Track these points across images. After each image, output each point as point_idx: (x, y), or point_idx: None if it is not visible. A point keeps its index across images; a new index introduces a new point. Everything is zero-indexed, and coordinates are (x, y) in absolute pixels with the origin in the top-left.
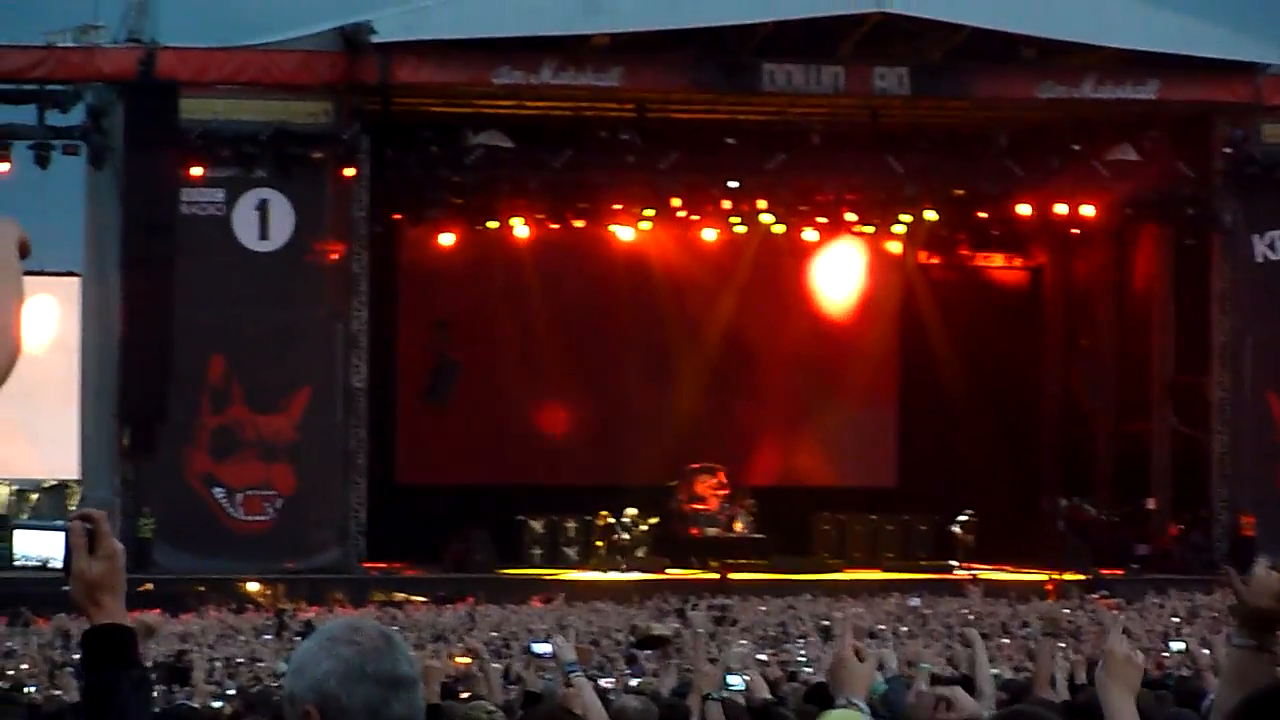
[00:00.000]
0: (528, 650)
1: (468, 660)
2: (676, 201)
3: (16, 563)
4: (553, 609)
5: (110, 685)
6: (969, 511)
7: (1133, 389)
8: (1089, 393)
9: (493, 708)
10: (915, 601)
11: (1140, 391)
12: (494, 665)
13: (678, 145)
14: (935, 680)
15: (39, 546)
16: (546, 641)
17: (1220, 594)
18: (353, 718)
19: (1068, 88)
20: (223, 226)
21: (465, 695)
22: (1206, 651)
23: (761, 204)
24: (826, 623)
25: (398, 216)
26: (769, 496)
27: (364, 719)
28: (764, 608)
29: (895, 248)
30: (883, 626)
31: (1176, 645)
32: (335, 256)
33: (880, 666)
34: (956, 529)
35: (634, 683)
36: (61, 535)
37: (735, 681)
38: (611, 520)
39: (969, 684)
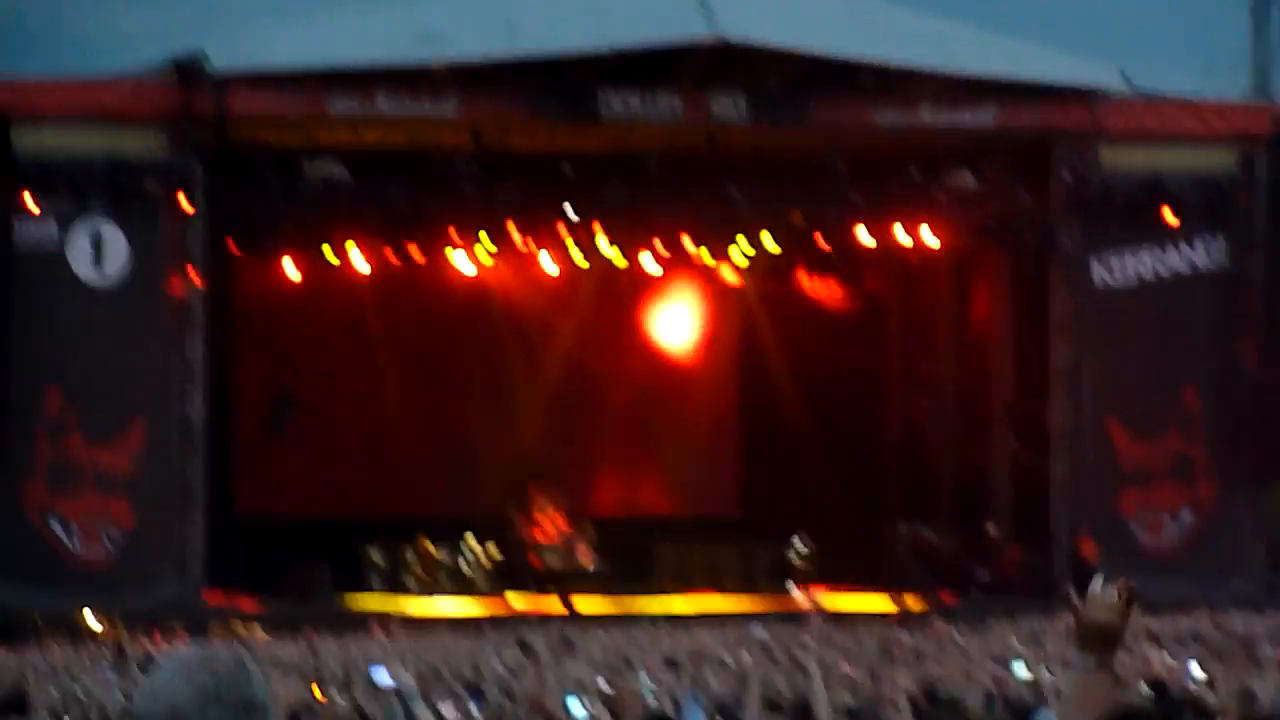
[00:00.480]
0: (369, 680)
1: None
2: (515, 232)
3: None
4: (394, 640)
5: None
6: (801, 535)
7: (973, 415)
8: (929, 419)
9: None
10: (759, 629)
11: (981, 418)
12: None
13: (515, 175)
14: (772, 707)
15: None
16: (387, 672)
17: (1061, 618)
18: None
19: (906, 115)
20: (57, 260)
21: None
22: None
23: (600, 233)
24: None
25: (235, 248)
26: (610, 526)
27: None
28: (605, 637)
29: (735, 277)
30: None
31: (1020, 670)
32: (172, 289)
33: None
34: (796, 556)
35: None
36: None
37: (577, 711)
38: (437, 549)
39: (808, 712)
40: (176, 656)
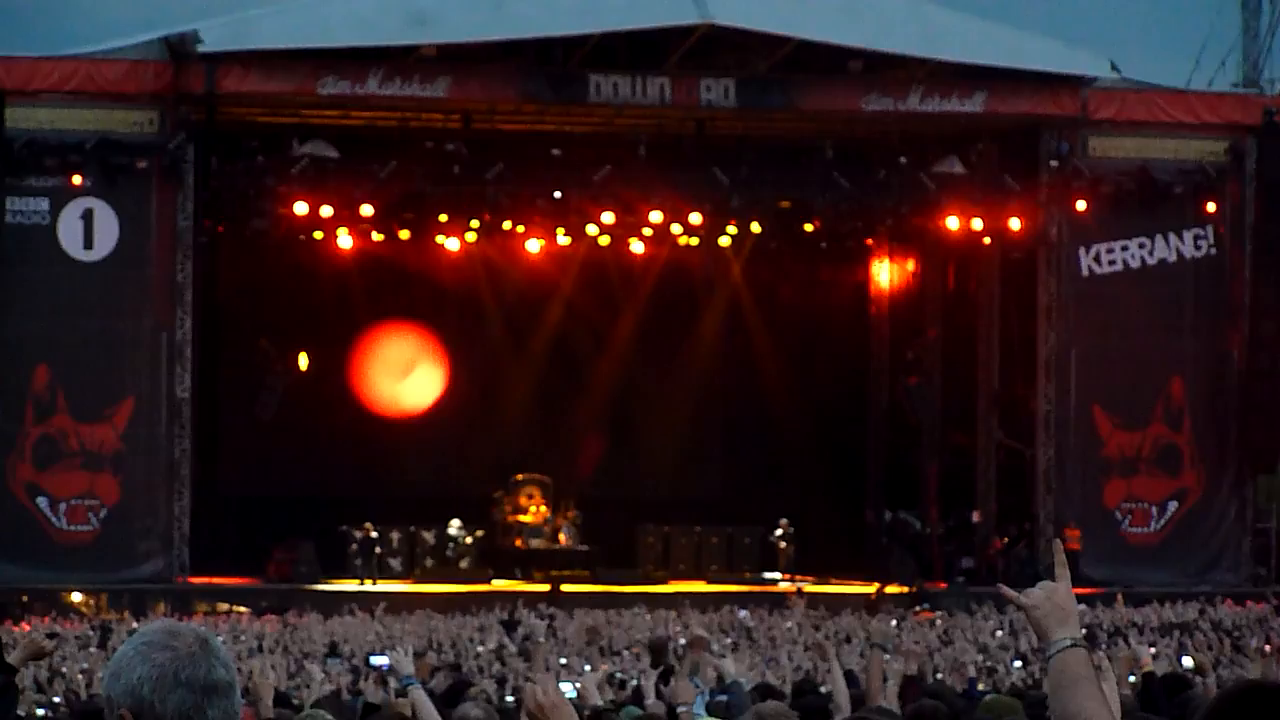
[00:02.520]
0: (366, 663)
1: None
2: (503, 212)
3: None
4: (382, 619)
5: None
6: (785, 521)
7: (958, 402)
8: (915, 405)
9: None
10: (743, 614)
11: (966, 405)
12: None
13: (504, 156)
14: (767, 693)
15: None
16: (384, 654)
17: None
18: None
19: (894, 100)
20: (48, 236)
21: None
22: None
23: (588, 215)
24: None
25: (222, 227)
26: (594, 508)
27: None
28: (589, 620)
29: (722, 259)
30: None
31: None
32: (160, 266)
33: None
34: (778, 540)
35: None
36: None
37: (565, 689)
38: (421, 531)
39: (823, 697)
40: (139, 635)
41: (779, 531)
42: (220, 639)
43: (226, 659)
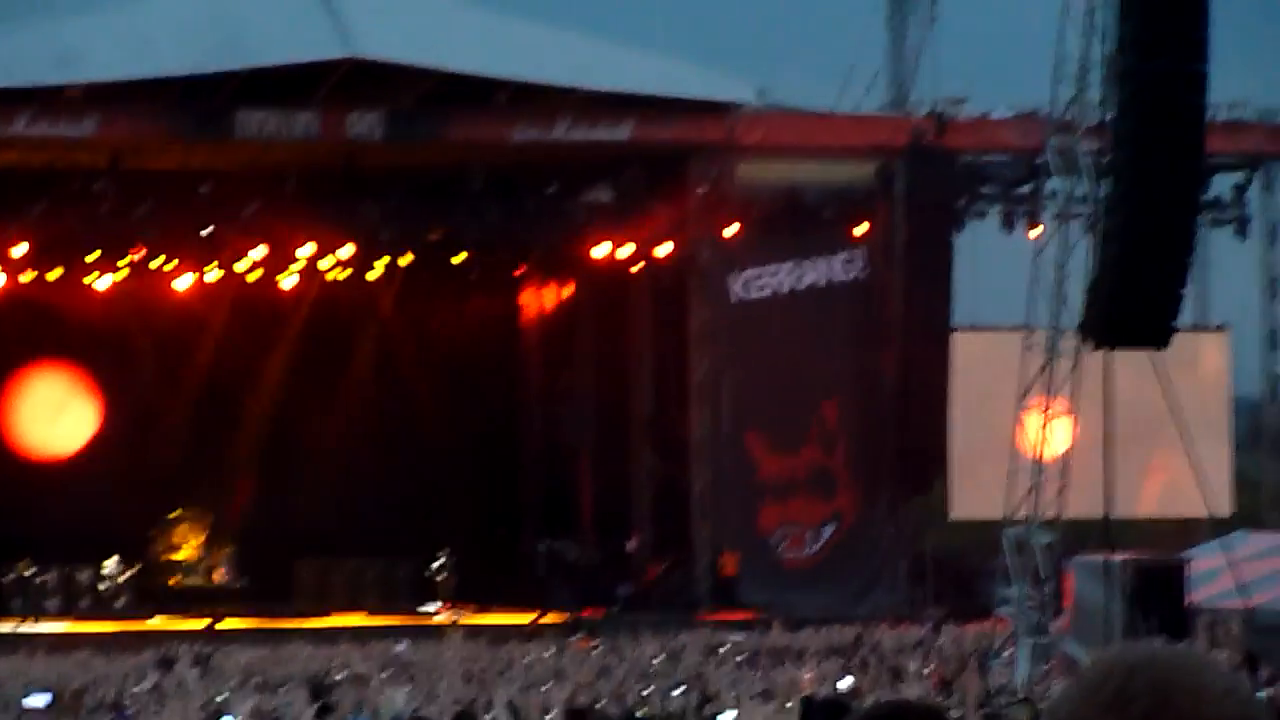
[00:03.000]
0: (18, 703)
1: None
2: (153, 250)
3: None
4: (36, 660)
5: None
6: (445, 552)
7: (612, 429)
8: (569, 433)
9: None
10: (402, 647)
11: (620, 431)
12: None
13: (152, 194)
14: None
15: None
16: (42, 692)
17: (701, 633)
18: None
19: (542, 130)
20: None
21: None
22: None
23: (237, 251)
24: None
25: None
26: (250, 543)
27: None
28: (246, 656)
29: (373, 292)
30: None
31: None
32: None
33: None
34: (436, 571)
35: None
36: None
37: None
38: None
39: None
40: None
41: (438, 562)
42: None
43: None
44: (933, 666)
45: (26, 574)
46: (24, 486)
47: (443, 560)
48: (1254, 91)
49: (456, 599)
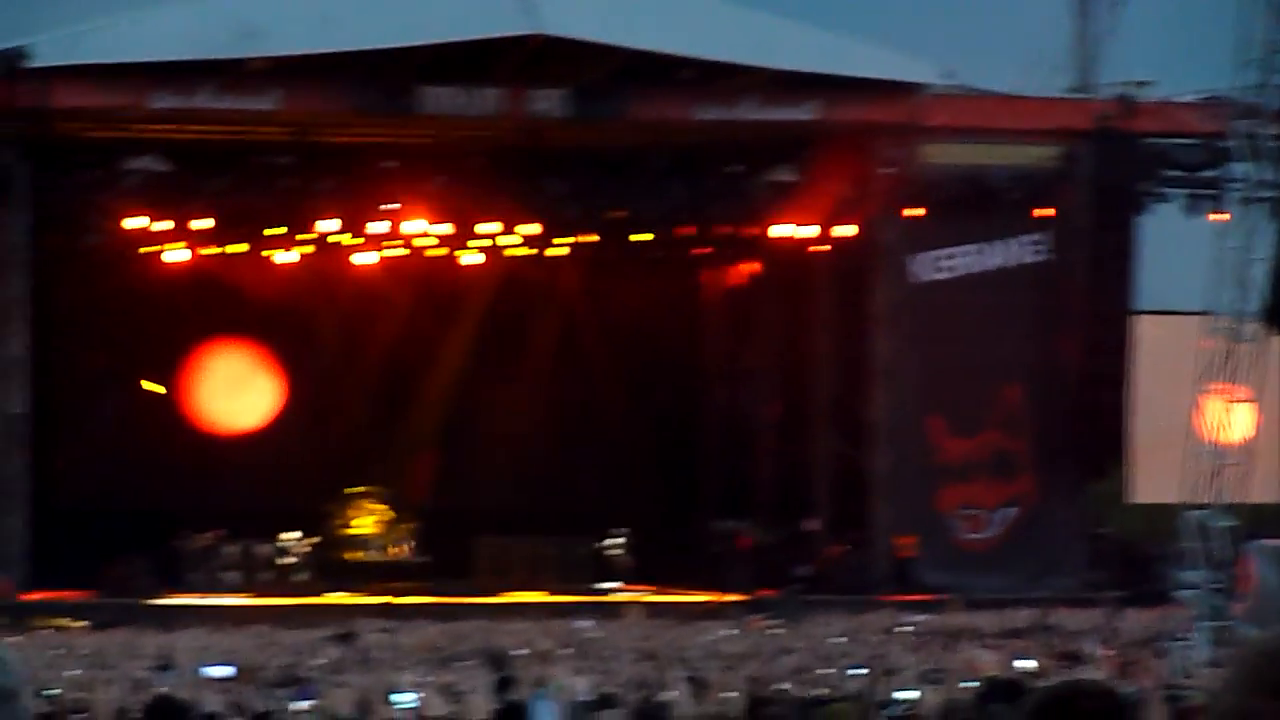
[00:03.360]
0: (199, 674)
1: None
2: (336, 225)
3: None
4: (214, 633)
5: None
6: (623, 531)
7: (794, 410)
8: (750, 413)
9: None
10: (584, 624)
11: (801, 412)
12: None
13: (337, 169)
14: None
15: None
16: (219, 665)
17: (880, 614)
18: None
19: (726, 109)
20: None
21: None
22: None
23: (421, 227)
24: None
25: (56, 243)
26: (430, 520)
27: None
28: (427, 631)
29: (556, 270)
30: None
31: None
32: None
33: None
34: (613, 550)
35: (304, 705)
36: None
37: (406, 700)
38: (256, 543)
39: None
40: None
41: (617, 541)
42: (14, 652)
43: (14, 668)
44: (1111, 650)
45: (206, 547)
46: (205, 460)
47: (622, 539)
48: None
49: (635, 578)
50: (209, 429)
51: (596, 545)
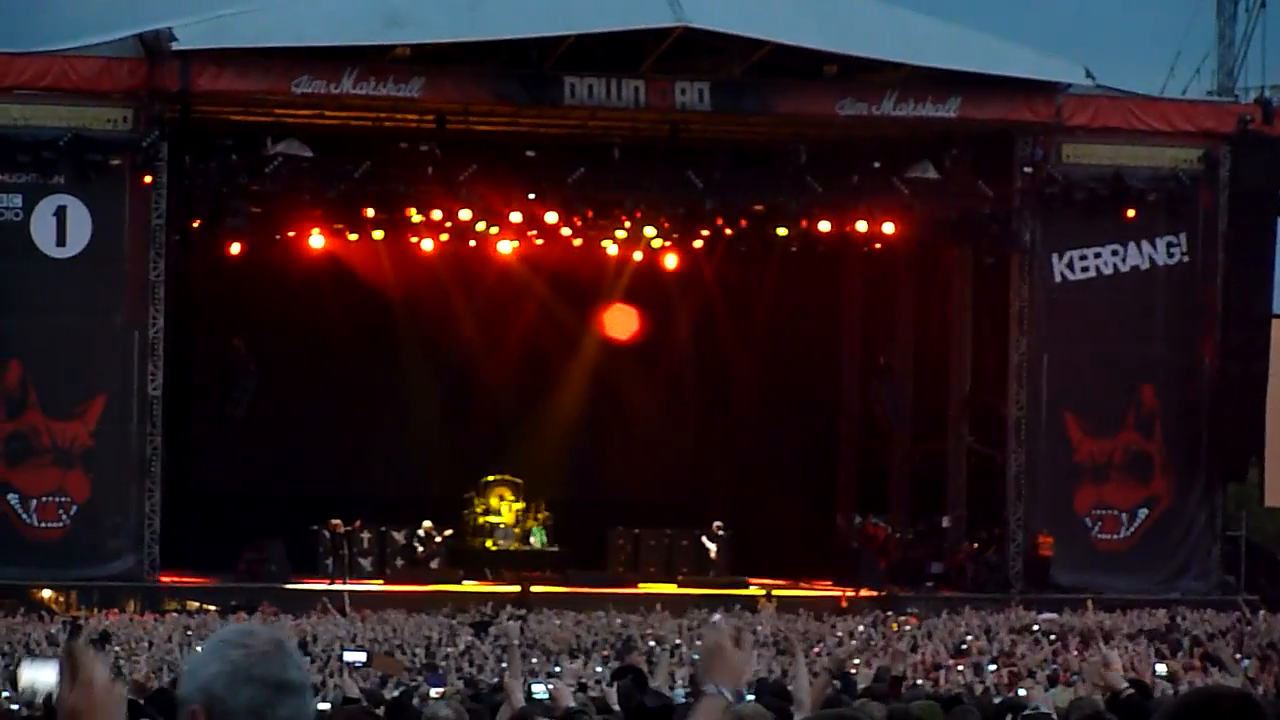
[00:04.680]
0: (340, 659)
1: None
2: (476, 213)
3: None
4: (349, 619)
5: None
6: (758, 525)
7: (930, 407)
8: (886, 410)
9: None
10: (716, 617)
11: (938, 409)
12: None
13: (477, 157)
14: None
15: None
16: (358, 650)
17: (1012, 612)
18: (236, 718)
19: (868, 105)
20: (20, 232)
21: None
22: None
23: (561, 217)
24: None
25: (196, 224)
26: (564, 509)
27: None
28: (558, 621)
29: (694, 262)
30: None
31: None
32: (133, 264)
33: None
34: (749, 545)
35: (435, 691)
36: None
37: (539, 690)
38: (391, 530)
39: (786, 694)
40: (216, 635)
41: (750, 535)
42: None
43: (300, 661)
44: (1247, 653)
45: (343, 534)
46: (342, 447)
47: (756, 533)
48: None
49: (769, 572)
50: (347, 414)
51: (732, 538)
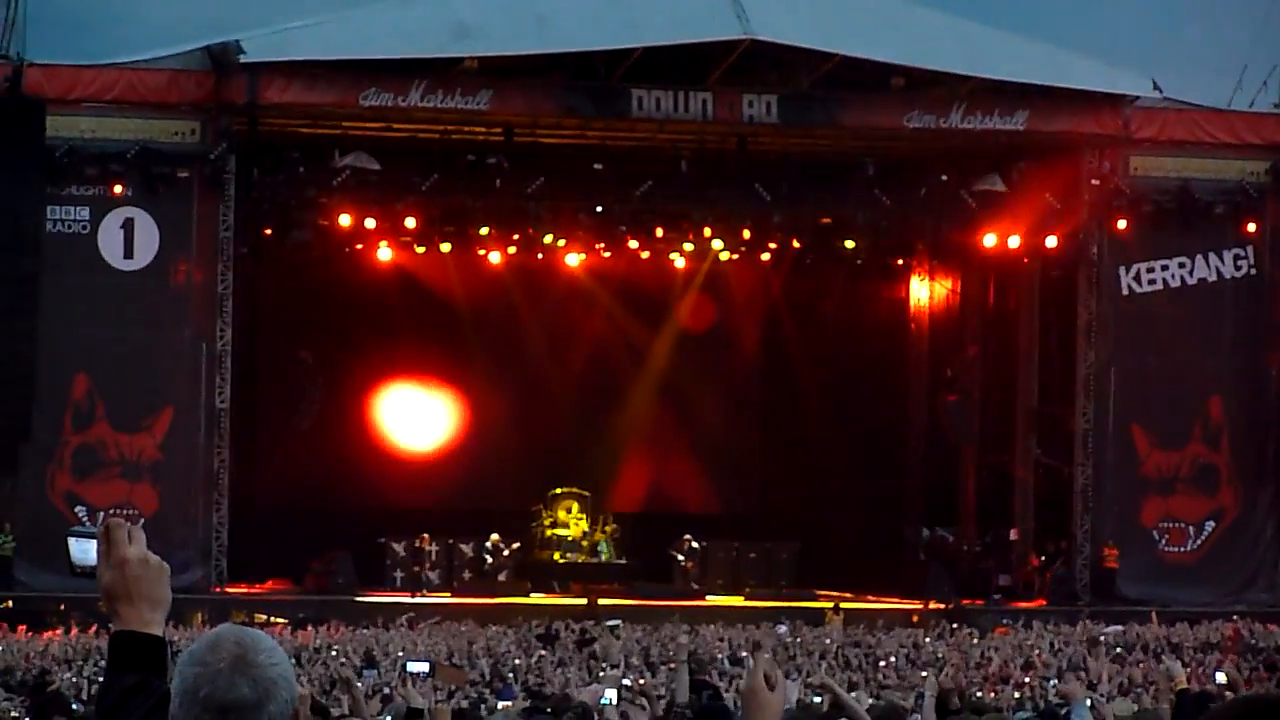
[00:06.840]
0: (403, 669)
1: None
2: (544, 226)
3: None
4: (416, 632)
5: (111, 688)
6: (825, 537)
7: (997, 420)
8: (954, 422)
9: None
10: (783, 629)
11: (1005, 422)
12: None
13: (545, 170)
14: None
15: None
16: (422, 660)
17: (1081, 626)
18: None
19: (936, 117)
20: (88, 245)
21: (337, 715)
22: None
23: (628, 230)
24: (692, 648)
25: (263, 236)
26: (631, 522)
27: None
28: (625, 634)
29: (762, 275)
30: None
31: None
32: (200, 276)
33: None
34: (814, 557)
35: (504, 704)
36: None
37: (604, 700)
38: (459, 543)
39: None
40: (195, 642)
41: (816, 548)
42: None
43: (263, 675)
44: None
45: (410, 547)
46: (409, 460)
47: (823, 546)
48: None
49: (837, 584)
50: (411, 428)
51: (797, 551)
